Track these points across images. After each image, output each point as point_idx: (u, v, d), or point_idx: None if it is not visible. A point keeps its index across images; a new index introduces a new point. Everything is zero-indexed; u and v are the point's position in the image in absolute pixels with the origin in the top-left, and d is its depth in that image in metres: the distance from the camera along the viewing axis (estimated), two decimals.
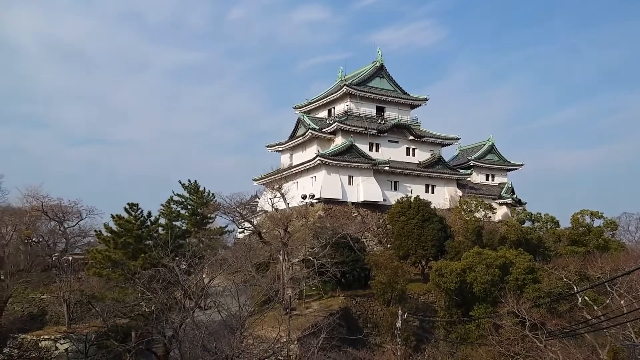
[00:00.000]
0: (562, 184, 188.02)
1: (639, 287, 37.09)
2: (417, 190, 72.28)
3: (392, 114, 76.29)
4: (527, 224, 69.11)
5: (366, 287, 51.77)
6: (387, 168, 70.55)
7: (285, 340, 36.06)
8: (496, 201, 78.41)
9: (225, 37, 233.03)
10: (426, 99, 79.48)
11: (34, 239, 63.77)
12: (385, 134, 73.53)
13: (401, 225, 58.44)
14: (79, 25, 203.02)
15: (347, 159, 68.41)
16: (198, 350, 28.55)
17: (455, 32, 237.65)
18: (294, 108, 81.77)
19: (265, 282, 39.66)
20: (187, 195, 58.21)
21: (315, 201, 64.55)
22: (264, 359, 30.45)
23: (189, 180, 58.80)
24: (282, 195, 58.63)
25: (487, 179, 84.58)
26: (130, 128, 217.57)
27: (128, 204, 47.12)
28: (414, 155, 76.16)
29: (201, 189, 58.52)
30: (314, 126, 71.17)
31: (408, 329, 44.98)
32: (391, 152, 73.56)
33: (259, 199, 74.31)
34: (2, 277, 49.21)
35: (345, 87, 72.71)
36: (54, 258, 58.51)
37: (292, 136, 76.44)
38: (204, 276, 41.51)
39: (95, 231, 52.60)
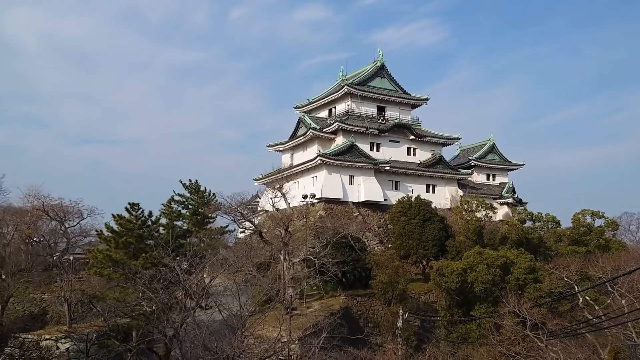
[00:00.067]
0: (563, 183, 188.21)
1: None
2: (418, 190, 72.33)
3: (393, 114, 76.31)
4: (528, 223, 69.09)
5: (367, 286, 51.75)
6: (388, 168, 70.55)
7: (286, 339, 36.03)
8: (497, 201, 78.44)
9: (226, 36, 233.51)
10: (427, 99, 79.53)
11: (35, 239, 63.76)
12: (386, 133, 73.56)
13: (402, 225, 58.42)
14: (79, 24, 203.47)
15: (348, 159, 68.41)
16: (199, 350, 28.49)
17: (456, 31, 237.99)
18: (295, 108, 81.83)
19: (266, 282, 39.56)
20: (188, 194, 58.23)
21: (316, 201, 64.59)
22: (265, 358, 30.47)
23: (190, 180, 58.93)
24: (283, 195, 58.60)
25: (488, 178, 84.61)
26: (131, 128, 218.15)
27: (129, 203, 47.16)
28: (414, 155, 76.19)
29: (202, 188, 58.56)
30: (315, 126, 71.18)
31: (409, 328, 45.00)
32: (392, 152, 73.58)
33: (260, 198, 74.31)
34: (3, 277, 49.17)
35: (346, 86, 72.70)
36: (55, 258, 58.48)
37: (293, 136, 76.47)
38: (204, 276, 41.44)
39: (96, 231, 52.66)
